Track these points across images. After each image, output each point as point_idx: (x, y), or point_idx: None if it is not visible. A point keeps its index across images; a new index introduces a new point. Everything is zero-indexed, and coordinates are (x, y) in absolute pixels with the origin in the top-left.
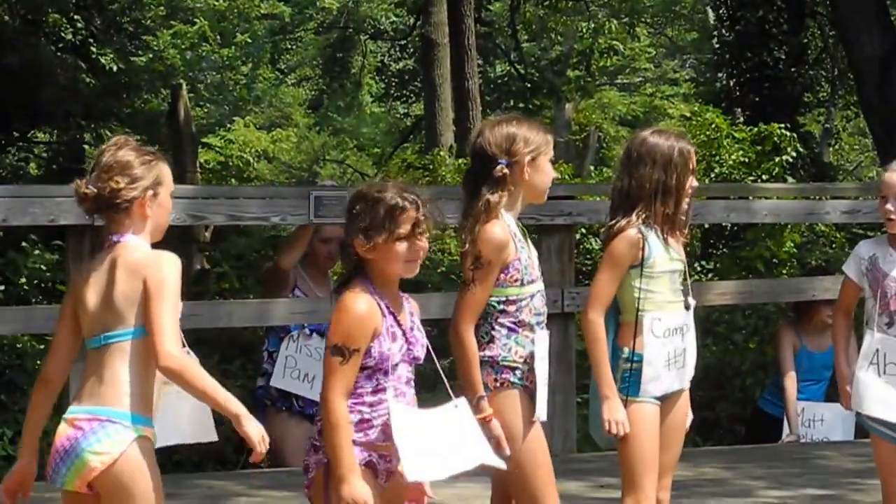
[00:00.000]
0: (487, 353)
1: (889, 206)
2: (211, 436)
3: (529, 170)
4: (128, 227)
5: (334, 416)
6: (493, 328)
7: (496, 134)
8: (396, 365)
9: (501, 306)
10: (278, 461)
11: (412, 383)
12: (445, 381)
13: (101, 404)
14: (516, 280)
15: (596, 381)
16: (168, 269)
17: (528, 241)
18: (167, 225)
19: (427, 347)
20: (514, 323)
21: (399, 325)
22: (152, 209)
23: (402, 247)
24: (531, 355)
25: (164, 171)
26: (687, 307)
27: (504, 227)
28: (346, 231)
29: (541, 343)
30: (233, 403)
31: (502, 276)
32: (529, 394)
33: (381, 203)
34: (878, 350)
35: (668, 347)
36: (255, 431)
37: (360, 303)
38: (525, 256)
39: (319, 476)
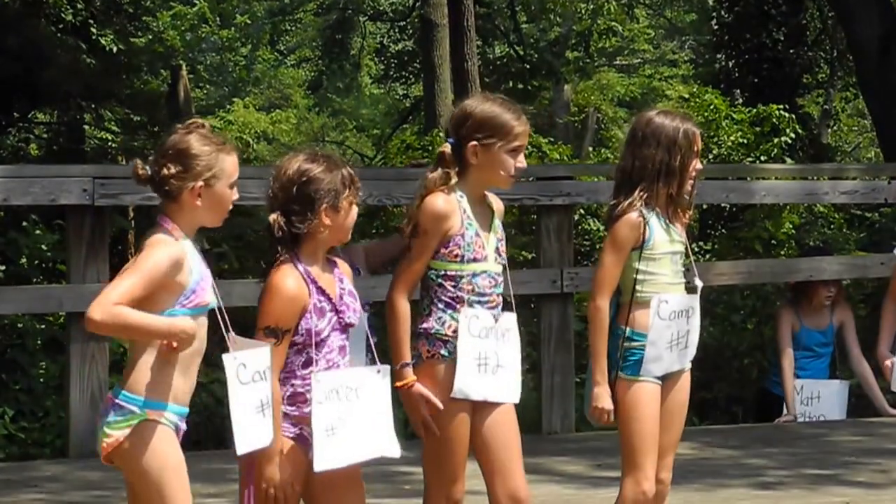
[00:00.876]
0: (423, 325)
1: None
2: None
3: (480, 156)
4: (174, 212)
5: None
6: (432, 301)
7: (458, 110)
8: (326, 337)
9: (440, 280)
10: None
11: (346, 350)
12: (374, 349)
13: (120, 385)
14: (456, 255)
15: (591, 367)
16: (155, 251)
17: (493, 223)
18: (224, 215)
19: (360, 311)
20: (452, 298)
21: (328, 298)
22: (204, 200)
23: (354, 212)
24: None
25: (227, 162)
26: (693, 290)
27: (448, 200)
28: (304, 210)
29: (473, 321)
30: (167, 322)
31: (443, 249)
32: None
33: (332, 176)
34: None
35: (672, 329)
36: (174, 325)
37: (289, 282)
38: (471, 234)
39: None
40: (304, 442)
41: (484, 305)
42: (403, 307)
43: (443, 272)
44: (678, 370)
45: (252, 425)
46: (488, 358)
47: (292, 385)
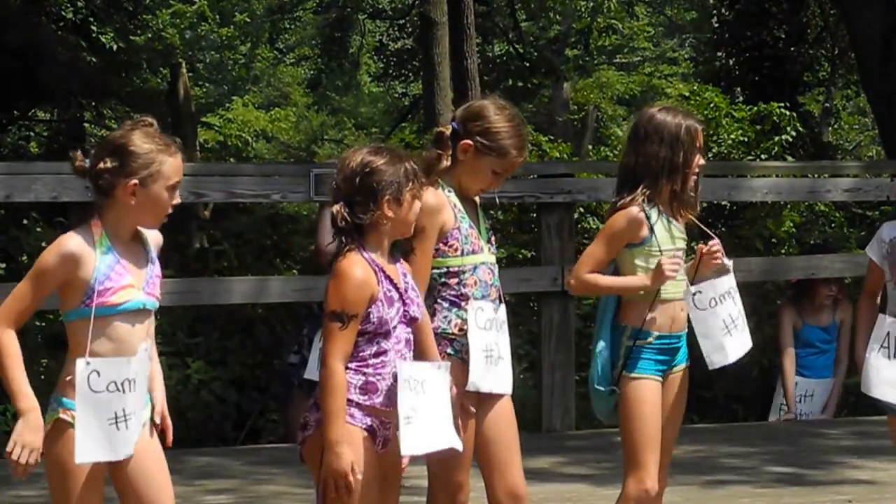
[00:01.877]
0: None
1: None
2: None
3: (469, 157)
4: (107, 208)
5: (334, 380)
6: (436, 301)
7: (477, 105)
8: (395, 327)
9: (443, 279)
10: (293, 438)
11: (410, 343)
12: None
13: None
14: (457, 250)
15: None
16: (44, 255)
17: (479, 215)
18: (161, 218)
19: (423, 307)
20: (457, 296)
21: (396, 287)
22: (138, 199)
23: (417, 206)
24: None
25: (168, 164)
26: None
27: (438, 194)
28: (366, 201)
29: (479, 313)
30: (22, 397)
31: (443, 246)
32: (467, 366)
33: (395, 169)
34: (888, 333)
35: (722, 315)
36: (16, 437)
37: (357, 269)
38: (466, 227)
39: (318, 435)
40: (373, 434)
41: (486, 299)
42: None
43: (445, 269)
44: (683, 368)
45: (95, 436)
46: (492, 350)
47: (364, 374)
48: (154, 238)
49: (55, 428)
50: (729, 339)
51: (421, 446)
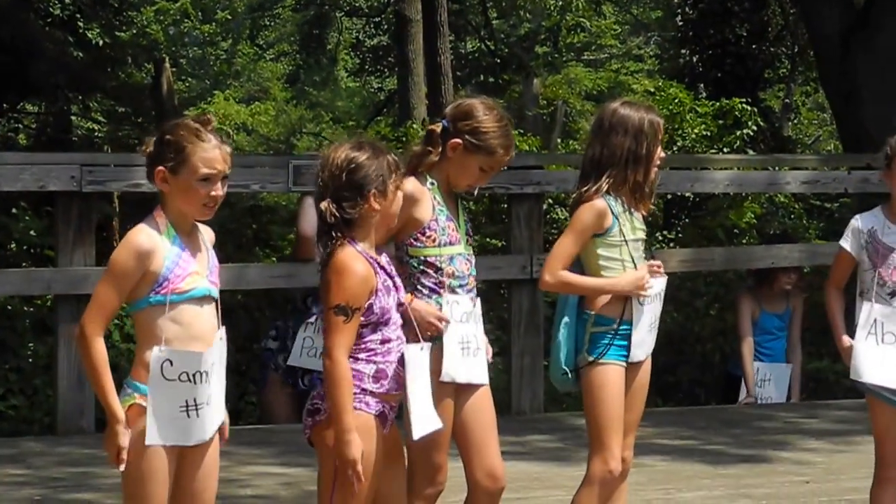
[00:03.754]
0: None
1: None
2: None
3: (457, 154)
4: (163, 198)
5: (339, 372)
6: (415, 288)
7: (467, 103)
8: (392, 315)
9: (421, 267)
10: (265, 419)
11: (400, 328)
12: (415, 323)
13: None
14: (434, 241)
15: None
16: (119, 248)
17: (459, 209)
18: (198, 207)
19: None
20: (436, 284)
21: (389, 276)
22: (171, 186)
23: (400, 197)
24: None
25: (199, 155)
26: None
27: (416, 184)
28: (354, 196)
29: (454, 307)
30: (116, 407)
31: (421, 236)
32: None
33: (378, 162)
34: (876, 320)
35: (652, 313)
36: (112, 445)
37: (359, 264)
38: (443, 219)
39: (330, 422)
40: (383, 419)
41: (464, 289)
42: None
43: (422, 258)
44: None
45: (166, 421)
46: (469, 342)
47: (375, 363)
48: (208, 233)
49: (131, 411)
50: (649, 336)
51: (425, 427)
